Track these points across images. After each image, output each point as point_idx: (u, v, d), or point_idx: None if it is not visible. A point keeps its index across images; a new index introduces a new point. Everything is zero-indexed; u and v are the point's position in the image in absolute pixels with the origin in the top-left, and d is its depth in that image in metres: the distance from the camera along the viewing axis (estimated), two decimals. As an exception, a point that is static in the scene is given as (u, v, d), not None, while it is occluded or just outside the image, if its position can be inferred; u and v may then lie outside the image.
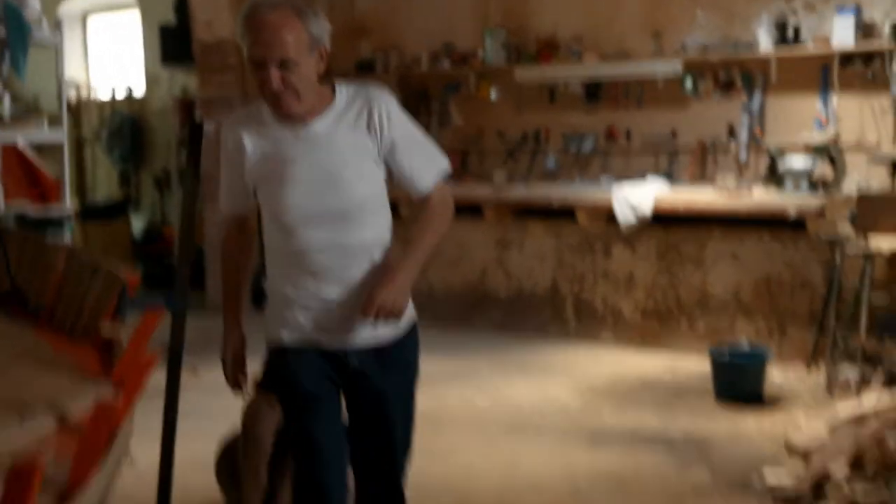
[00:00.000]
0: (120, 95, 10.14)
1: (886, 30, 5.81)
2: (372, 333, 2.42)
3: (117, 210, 9.60)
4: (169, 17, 9.05)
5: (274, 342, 2.47)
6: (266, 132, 2.42)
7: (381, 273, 2.41)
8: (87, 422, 1.81)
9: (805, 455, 4.19)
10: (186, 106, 9.05)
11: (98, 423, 1.78)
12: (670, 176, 6.76)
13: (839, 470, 3.88)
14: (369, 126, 2.38)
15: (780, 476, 4.04)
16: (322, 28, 2.31)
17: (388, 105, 2.40)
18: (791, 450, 4.32)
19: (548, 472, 4.22)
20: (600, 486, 4.04)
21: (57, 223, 4.43)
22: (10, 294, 2.82)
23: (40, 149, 5.03)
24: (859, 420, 4.34)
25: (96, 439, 1.76)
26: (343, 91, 2.43)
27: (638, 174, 6.84)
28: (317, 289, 2.40)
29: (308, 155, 2.38)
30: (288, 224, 2.39)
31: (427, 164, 2.45)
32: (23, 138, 4.28)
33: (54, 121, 4.90)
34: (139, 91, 10.06)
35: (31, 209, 4.44)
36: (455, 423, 4.82)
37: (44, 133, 4.38)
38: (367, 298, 2.31)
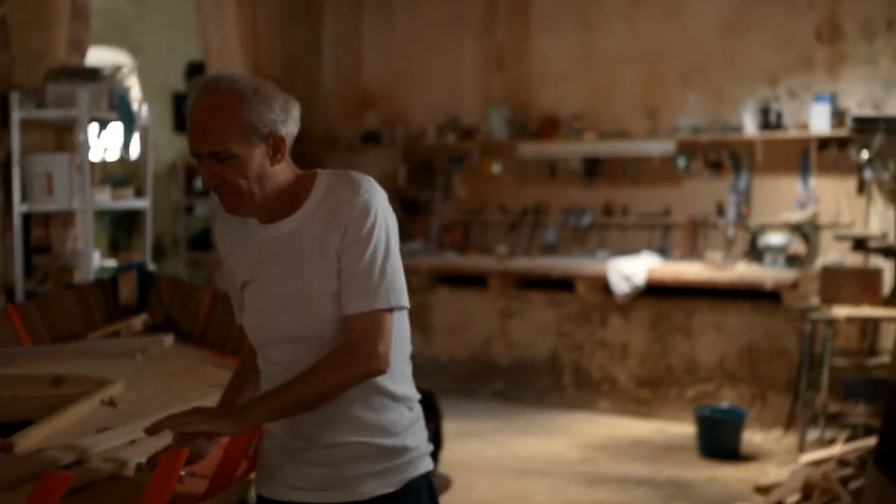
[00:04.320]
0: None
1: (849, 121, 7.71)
2: (346, 489, 2.43)
3: (109, 277, 11.32)
4: (173, 82, 10.89)
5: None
6: (245, 230, 2.47)
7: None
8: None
9: (767, 490, 6.00)
10: (189, 172, 10.89)
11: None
12: (663, 251, 8.63)
13: (791, 498, 5.68)
14: (343, 231, 2.35)
15: (746, 507, 5.85)
16: (271, 113, 2.31)
17: (357, 207, 2.34)
18: (758, 490, 6.13)
19: (552, 502, 5.99)
20: (595, 513, 5.85)
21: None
22: (163, 324, 4.58)
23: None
24: (816, 465, 6.16)
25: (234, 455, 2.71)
26: (322, 182, 2.41)
27: (633, 248, 8.70)
28: (275, 429, 2.48)
29: (272, 263, 2.41)
30: (257, 347, 2.51)
31: (362, 292, 2.34)
32: (117, 203, 6.13)
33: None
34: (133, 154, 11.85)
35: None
36: (468, 467, 6.59)
37: (130, 201, 6.22)
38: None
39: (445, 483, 5.58)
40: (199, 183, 11.15)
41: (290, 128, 2.38)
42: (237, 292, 2.53)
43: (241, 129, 2.29)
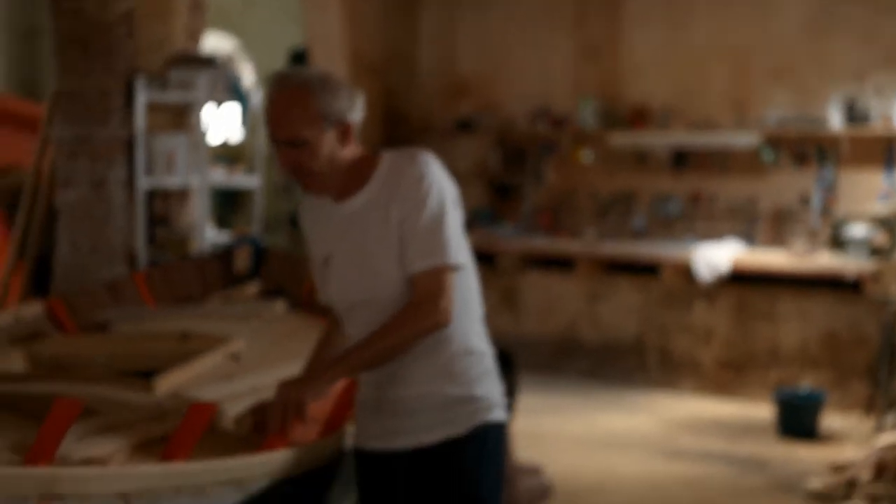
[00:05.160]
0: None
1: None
2: (414, 435, 2.67)
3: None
4: (276, 68, 11.30)
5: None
6: (323, 210, 2.76)
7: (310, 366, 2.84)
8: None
9: (842, 468, 6.19)
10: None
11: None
12: (749, 238, 8.80)
13: (865, 475, 5.87)
14: (403, 199, 2.61)
15: (820, 482, 6.04)
16: (338, 102, 2.60)
17: (413, 176, 2.61)
18: (833, 467, 6.32)
19: (634, 473, 6.37)
20: (674, 484, 6.18)
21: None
22: (274, 292, 4.94)
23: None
24: (891, 448, 6.33)
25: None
26: (386, 162, 2.68)
27: (719, 236, 8.88)
28: (362, 384, 2.77)
29: (345, 237, 2.69)
30: (339, 314, 2.81)
31: (422, 251, 2.59)
32: (230, 181, 6.61)
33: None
34: (236, 138, 12.35)
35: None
36: (553, 440, 6.91)
37: (242, 179, 6.68)
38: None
39: (544, 492, 5.76)
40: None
41: (355, 115, 2.66)
42: (319, 268, 2.79)
43: (312, 117, 2.57)
